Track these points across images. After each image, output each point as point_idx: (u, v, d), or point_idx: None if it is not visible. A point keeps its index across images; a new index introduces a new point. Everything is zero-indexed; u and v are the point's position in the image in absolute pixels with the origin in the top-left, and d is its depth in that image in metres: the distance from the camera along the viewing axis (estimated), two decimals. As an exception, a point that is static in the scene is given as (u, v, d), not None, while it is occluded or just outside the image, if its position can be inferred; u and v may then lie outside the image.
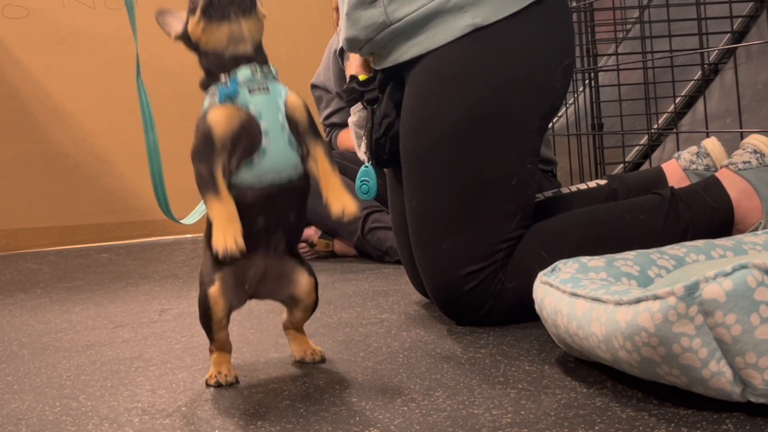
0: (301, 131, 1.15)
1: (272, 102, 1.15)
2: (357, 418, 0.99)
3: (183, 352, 1.39)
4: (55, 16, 3.27)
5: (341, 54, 2.18)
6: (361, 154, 1.59)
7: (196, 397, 1.13)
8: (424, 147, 1.43)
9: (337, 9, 2.44)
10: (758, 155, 1.51)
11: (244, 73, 1.14)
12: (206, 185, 1.11)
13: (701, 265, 1.16)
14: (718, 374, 0.88)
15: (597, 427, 0.89)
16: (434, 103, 1.42)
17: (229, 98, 1.13)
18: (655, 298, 0.89)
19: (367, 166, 1.55)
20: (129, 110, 3.35)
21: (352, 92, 1.58)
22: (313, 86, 2.49)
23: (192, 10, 1.16)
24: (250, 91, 1.14)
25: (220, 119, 1.12)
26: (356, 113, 1.66)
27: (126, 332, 1.59)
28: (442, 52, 1.41)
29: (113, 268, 2.55)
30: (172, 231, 3.39)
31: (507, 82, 1.40)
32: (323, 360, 1.25)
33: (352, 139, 1.72)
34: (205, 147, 1.12)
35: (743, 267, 0.86)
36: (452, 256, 1.39)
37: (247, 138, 1.12)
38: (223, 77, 1.15)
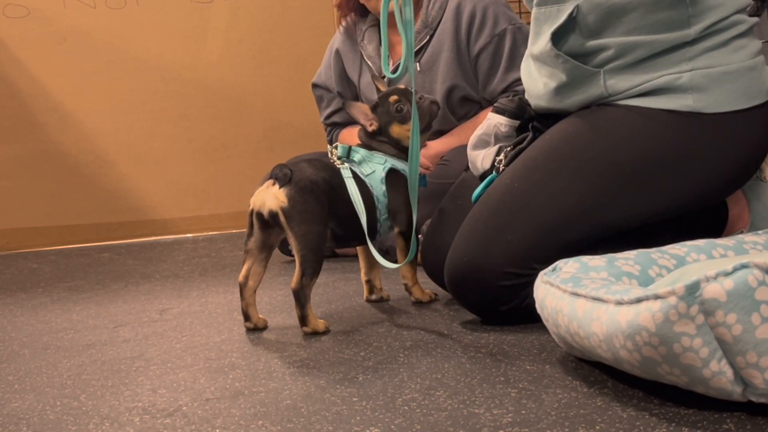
0: None
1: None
2: (358, 418, 0.99)
3: (183, 352, 1.39)
4: (56, 16, 3.26)
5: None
6: (484, 161, 1.55)
7: (196, 396, 1.13)
8: (590, 149, 1.38)
9: (338, 6, 2.42)
10: (758, 170, 1.50)
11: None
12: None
13: (702, 265, 1.16)
14: (719, 374, 0.88)
15: (598, 427, 0.89)
16: (621, 133, 1.38)
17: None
18: (656, 297, 0.89)
19: (495, 175, 1.51)
20: (130, 110, 3.36)
21: (523, 111, 1.54)
22: (314, 85, 2.48)
23: (402, 120, 1.59)
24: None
25: None
26: (504, 125, 1.56)
27: (127, 332, 1.59)
28: (646, 110, 1.38)
29: (114, 268, 2.55)
30: (172, 231, 3.39)
31: (685, 160, 1.37)
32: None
33: (470, 142, 1.65)
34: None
35: (744, 266, 0.86)
36: (507, 248, 1.36)
37: None
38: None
